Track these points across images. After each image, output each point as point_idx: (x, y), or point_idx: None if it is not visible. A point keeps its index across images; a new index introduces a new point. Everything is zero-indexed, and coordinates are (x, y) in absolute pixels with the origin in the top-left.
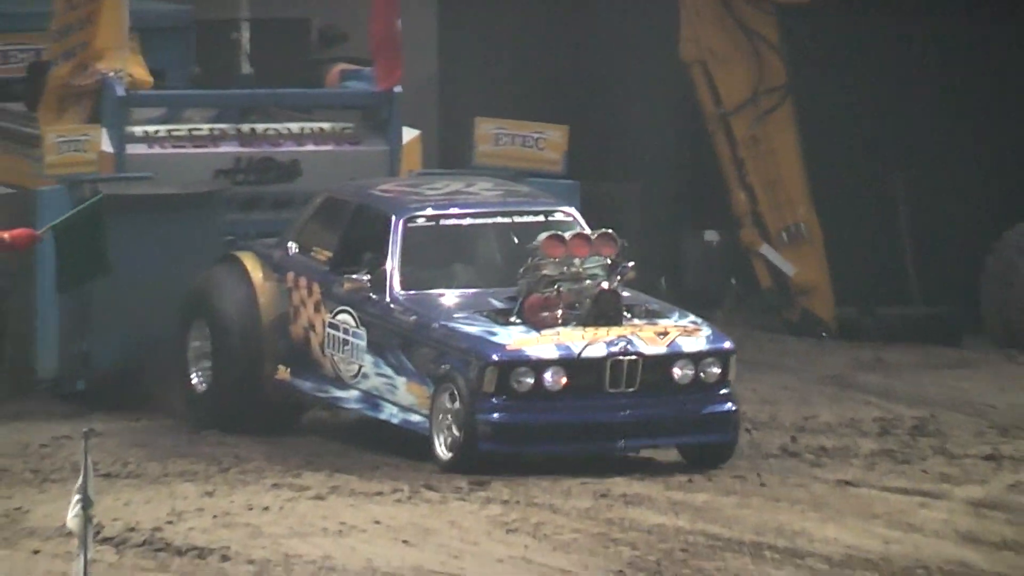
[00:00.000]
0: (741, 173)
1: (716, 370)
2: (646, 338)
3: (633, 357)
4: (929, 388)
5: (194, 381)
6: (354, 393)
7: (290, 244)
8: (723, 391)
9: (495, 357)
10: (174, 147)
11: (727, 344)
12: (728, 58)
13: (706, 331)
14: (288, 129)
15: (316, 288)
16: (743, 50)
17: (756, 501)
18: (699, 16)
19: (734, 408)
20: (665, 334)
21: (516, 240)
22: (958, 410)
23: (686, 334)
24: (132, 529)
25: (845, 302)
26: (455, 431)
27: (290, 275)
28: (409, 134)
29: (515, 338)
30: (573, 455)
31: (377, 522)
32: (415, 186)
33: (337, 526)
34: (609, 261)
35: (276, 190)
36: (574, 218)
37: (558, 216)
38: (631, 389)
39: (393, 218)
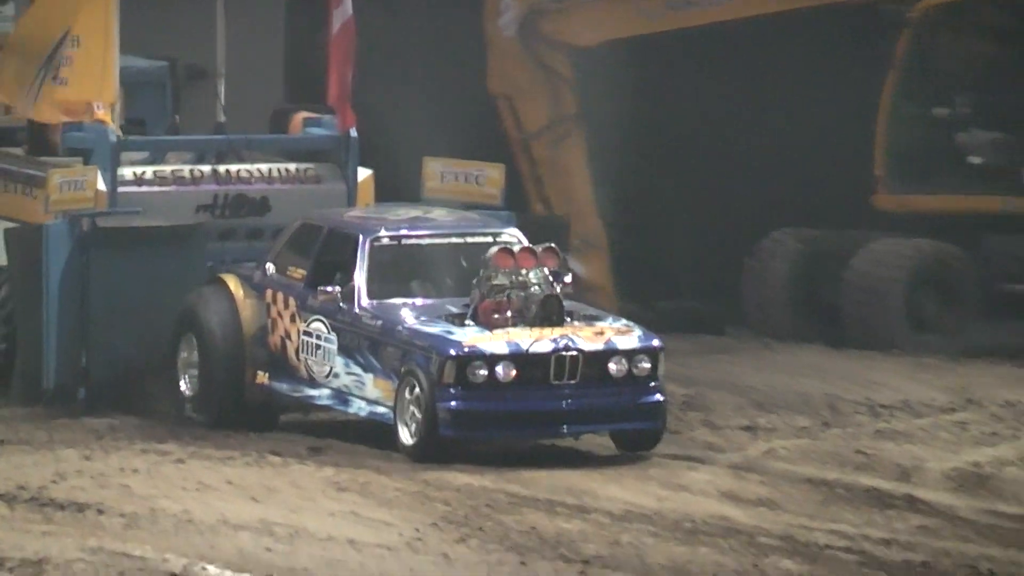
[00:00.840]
0: (540, 189)
1: (646, 365)
2: (585, 337)
3: (574, 353)
4: (697, 370)
5: (183, 387)
6: (326, 391)
7: (268, 266)
8: (652, 384)
9: (452, 352)
10: (159, 186)
11: (656, 342)
12: (528, 91)
13: (637, 332)
14: (259, 170)
15: (292, 302)
16: (541, 84)
17: (549, 464)
18: (503, 55)
19: (663, 399)
20: (602, 334)
21: (464, 261)
22: (721, 389)
23: (620, 334)
24: (22, 487)
25: (629, 297)
26: (418, 419)
27: (268, 292)
28: (363, 173)
29: (470, 336)
30: (522, 440)
31: (229, 482)
32: (380, 213)
33: (195, 485)
34: (551, 272)
35: (248, 223)
36: (518, 239)
37: (504, 237)
38: (573, 381)
39: (360, 237)
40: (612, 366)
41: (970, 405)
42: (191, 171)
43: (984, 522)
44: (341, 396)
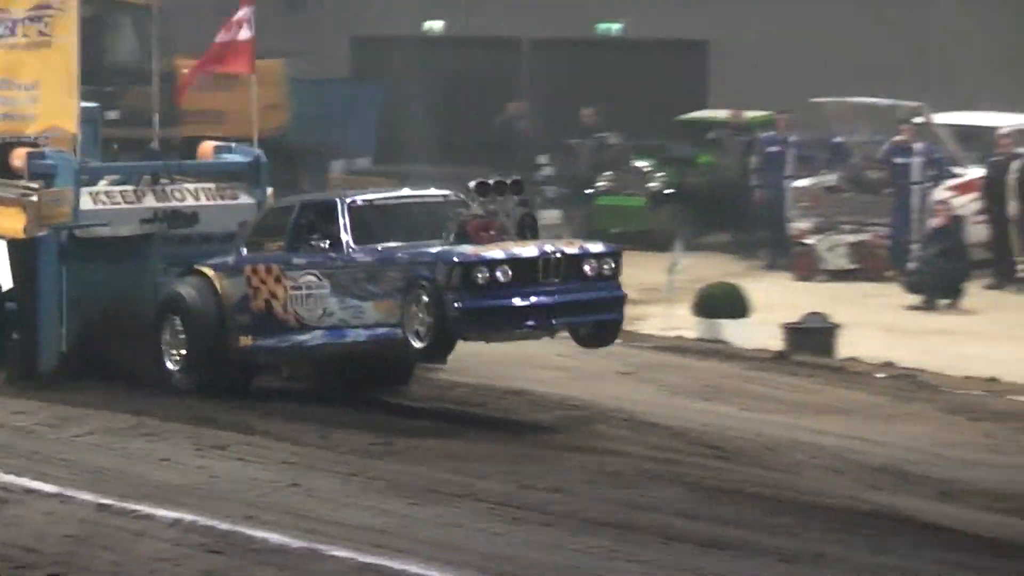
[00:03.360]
0: None
1: (612, 265)
2: (563, 244)
3: (558, 255)
4: None
5: (169, 365)
6: (318, 332)
7: (241, 249)
8: (616, 281)
9: (457, 260)
10: (112, 203)
11: (617, 247)
12: None
13: (598, 242)
14: (189, 189)
15: (275, 268)
16: None
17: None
18: None
19: (624, 294)
20: (572, 243)
21: (420, 215)
22: None
23: (586, 242)
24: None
25: None
26: (428, 323)
27: (248, 268)
28: (268, 190)
29: (470, 248)
30: (521, 333)
31: None
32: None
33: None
34: (519, 199)
35: (181, 232)
36: (464, 199)
37: (453, 198)
38: (556, 280)
39: (338, 201)
40: (586, 267)
41: None
42: (135, 191)
43: None
44: (336, 331)
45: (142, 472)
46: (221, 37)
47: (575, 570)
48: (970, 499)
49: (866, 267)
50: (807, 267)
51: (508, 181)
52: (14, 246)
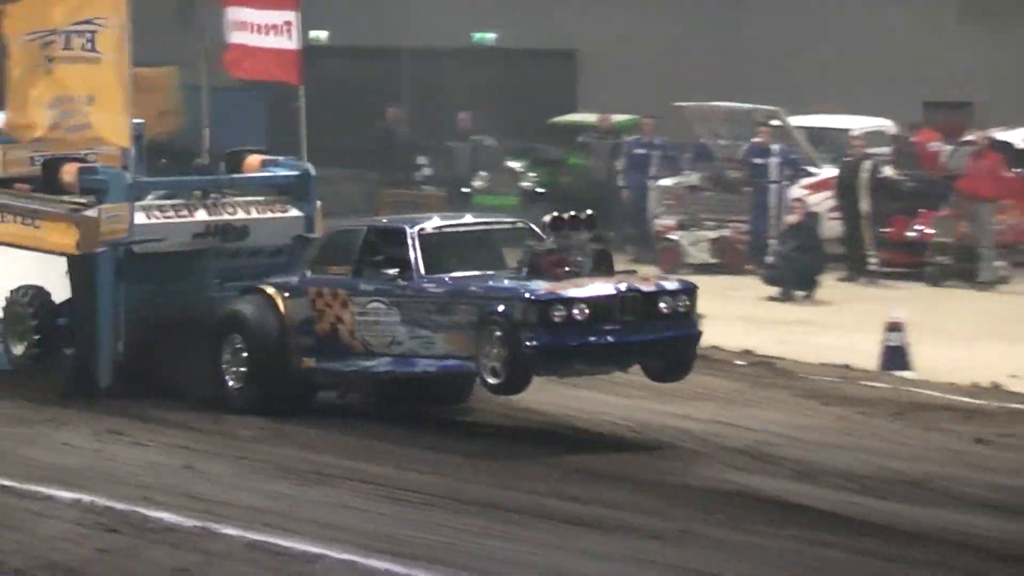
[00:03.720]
0: None
1: (687, 303)
2: (639, 281)
3: (635, 294)
4: None
5: (230, 383)
6: (386, 359)
7: (305, 272)
8: (691, 319)
9: (535, 296)
10: (164, 217)
11: (693, 284)
12: None
13: (674, 279)
14: (239, 204)
15: (341, 292)
16: None
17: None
18: None
19: (699, 332)
20: (648, 279)
21: (488, 244)
22: None
23: (662, 279)
24: None
25: None
26: (503, 358)
27: (312, 290)
28: (317, 204)
29: (546, 285)
30: (594, 372)
31: None
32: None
33: None
34: (593, 233)
35: (233, 246)
36: (530, 226)
37: (519, 225)
38: (632, 318)
39: (407, 229)
40: (662, 305)
41: None
42: (186, 205)
43: None
44: (405, 360)
45: (43, 456)
46: (257, 41)
47: (451, 547)
48: (824, 479)
49: (727, 261)
50: (672, 261)
51: (582, 216)
52: (73, 262)
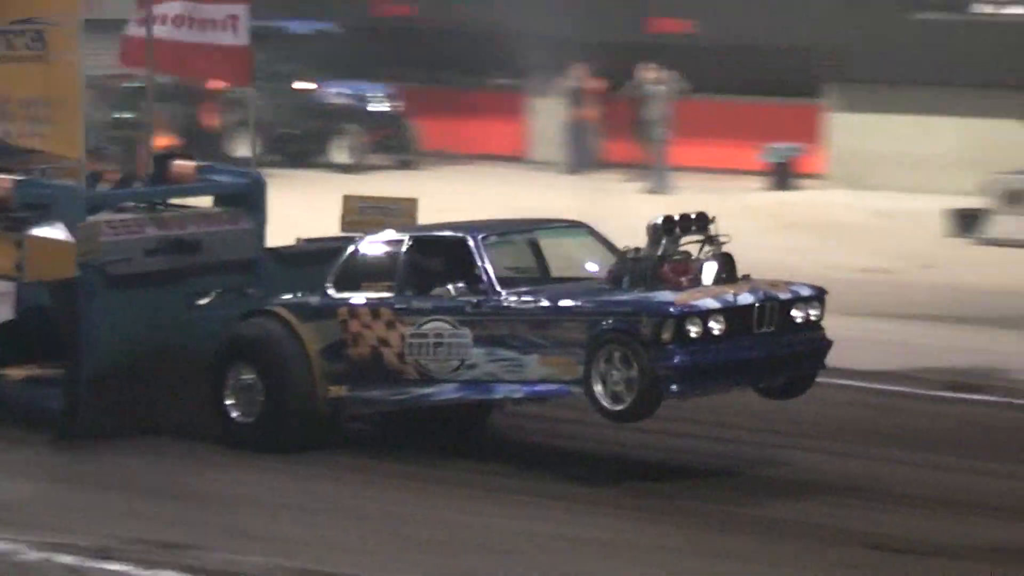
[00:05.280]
0: None
1: (817, 311)
2: (771, 287)
3: (774, 302)
4: None
5: (234, 415)
6: (451, 386)
7: (328, 290)
8: (821, 327)
9: (671, 311)
10: (115, 234)
11: (823, 289)
12: None
13: (803, 284)
14: (189, 216)
15: (385, 312)
16: None
17: None
18: None
19: (831, 342)
20: (776, 284)
21: (543, 250)
22: None
23: (792, 284)
24: None
25: None
26: (629, 381)
27: (343, 310)
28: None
29: (678, 296)
30: (728, 389)
31: None
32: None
33: None
34: (709, 234)
35: (187, 262)
36: (588, 226)
37: (578, 226)
38: (771, 329)
39: (469, 239)
40: (796, 313)
41: None
42: (135, 220)
43: None
44: (479, 385)
45: None
46: (195, 37)
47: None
48: None
49: None
50: None
51: (693, 216)
52: (54, 287)
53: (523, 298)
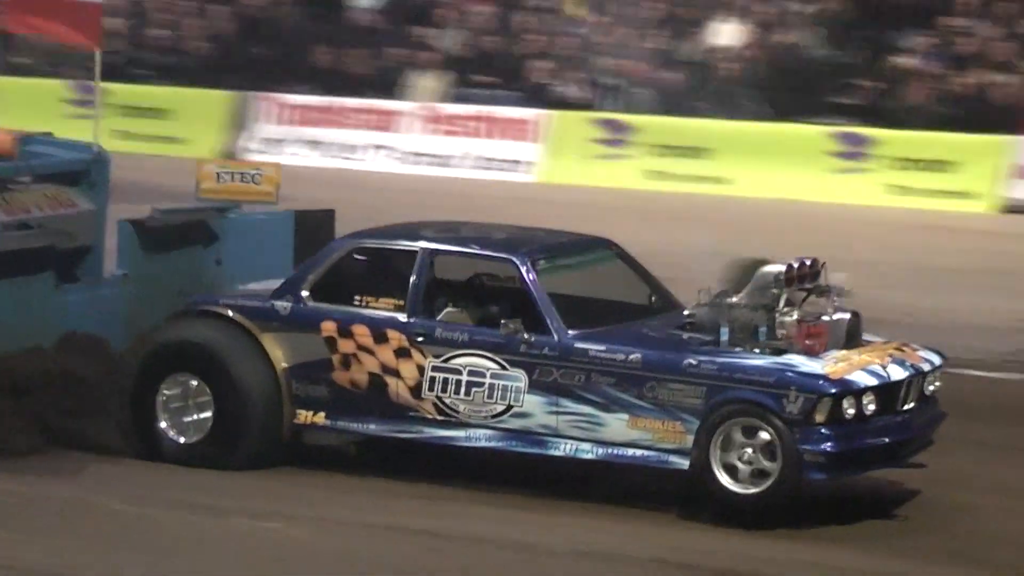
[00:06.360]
0: None
1: (939, 382)
2: (907, 357)
3: (920, 375)
4: None
5: (170, 434)
6: (486, 432)
7: (301, 297)
8: (938, 398)
9: (832, 389)
10: None
11: (944, 355)
12: None
13: (928, 350)
14: (36, 198)
15: (397, 335)
16: None
17: None
18: None
19: (945, 413)
20: (902, 350)
21: (591, 279)
22: None
23: (920, 351)
24: None
25: None
26: (766, 464)
27: (329, 324)
28: None
29: (826, 368)
30: (871, 473)
31: None
32: (452, 229)
33: None
34: (826, 287)
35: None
36: (618, 245)
37: (601, 243)
38: (913, 406)
39: (517, 261)
40: (928, 385)
41: None
42: None
43: None
44: (529, 437)
45: None
46: None
47: None
48: None
49: None
50: None
51: (808, 262)
52: None
53: (605, 345)
